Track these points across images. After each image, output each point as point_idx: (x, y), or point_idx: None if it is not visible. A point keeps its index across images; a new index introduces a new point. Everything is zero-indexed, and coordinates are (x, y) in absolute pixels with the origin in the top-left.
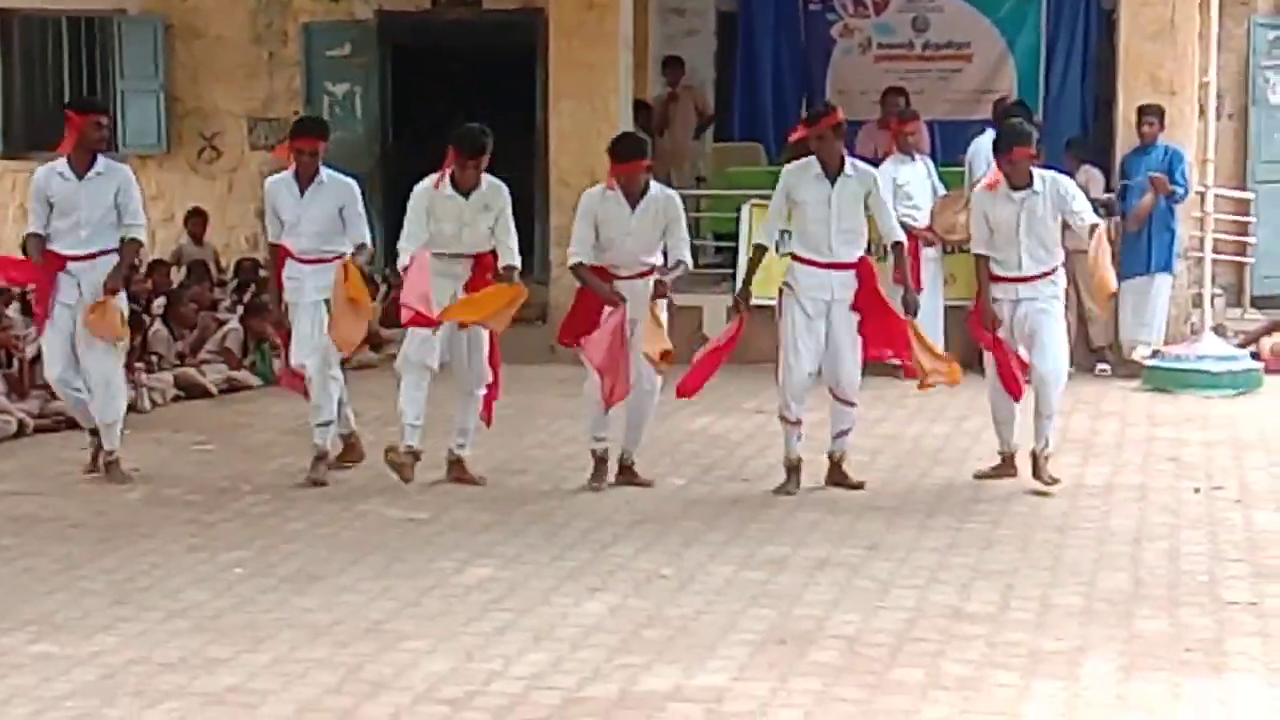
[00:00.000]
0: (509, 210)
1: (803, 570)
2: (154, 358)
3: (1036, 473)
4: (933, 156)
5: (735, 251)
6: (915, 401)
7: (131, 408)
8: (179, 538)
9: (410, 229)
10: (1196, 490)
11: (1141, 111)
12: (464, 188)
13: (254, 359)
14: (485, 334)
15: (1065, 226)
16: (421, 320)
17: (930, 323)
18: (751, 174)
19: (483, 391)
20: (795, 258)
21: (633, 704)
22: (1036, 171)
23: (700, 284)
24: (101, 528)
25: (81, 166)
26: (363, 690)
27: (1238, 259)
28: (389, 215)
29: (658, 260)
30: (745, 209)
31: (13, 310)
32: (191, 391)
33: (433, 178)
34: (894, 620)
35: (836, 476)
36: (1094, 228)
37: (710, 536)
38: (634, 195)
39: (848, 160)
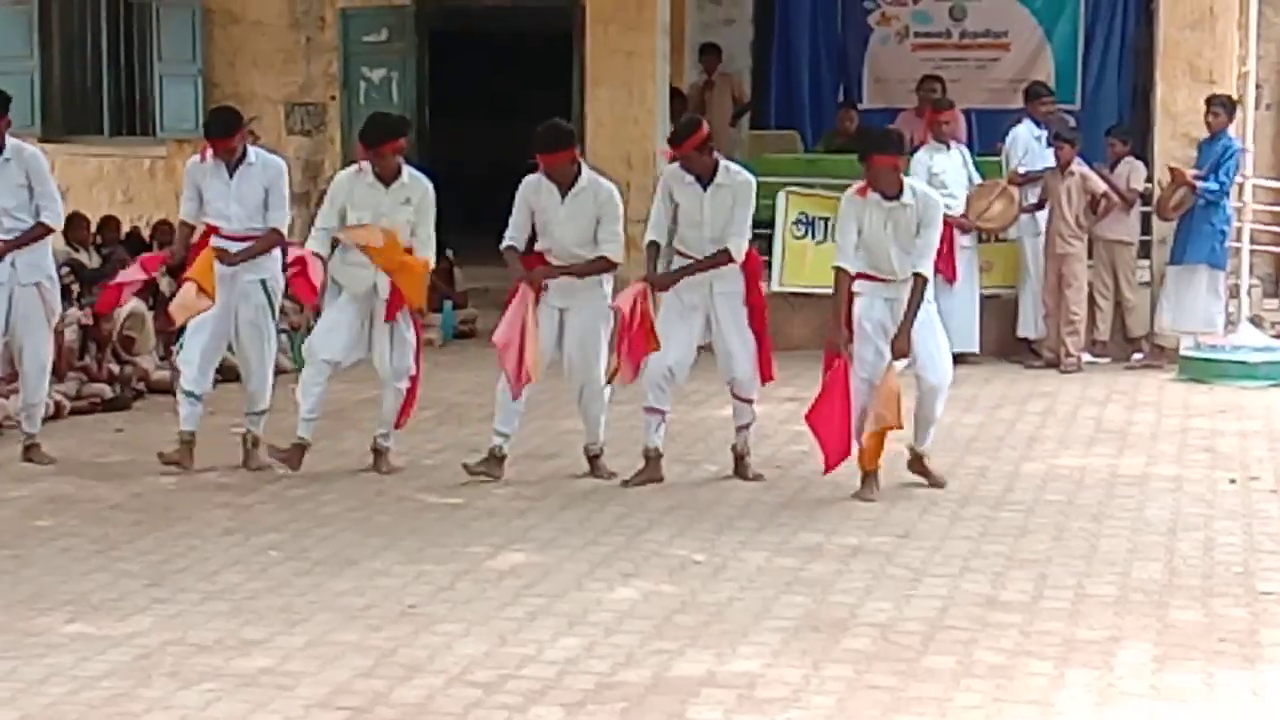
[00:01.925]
0: (430, 204)
1: (836, 557)
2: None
3: (920, 470)
4: (969, 145)
5: (770, 239)
6: (950, 390)
7: (168, 390)
8: (214, 520)
9: (321, 217)
10: (1232, 481)
11: (1208, 102)
12: (384, 176)
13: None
14: (410, 331)
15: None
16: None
17: (966, 312)
18: (788, 161)
19: (404, 385)
20: (677, 252)
21: (665, 689)
22: (909, 184)
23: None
24: (138, 510)
25: None
26: (396, 673)
27: (1275, 249)
28: None
29: (607, 252)
30: (781, 196)
31: None
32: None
33: (354, 166)
34: (927, 608)
35: (740, 470)
36: (918, 276)
37: (743, 523)
38: (564, 185)
39: (720, 167)
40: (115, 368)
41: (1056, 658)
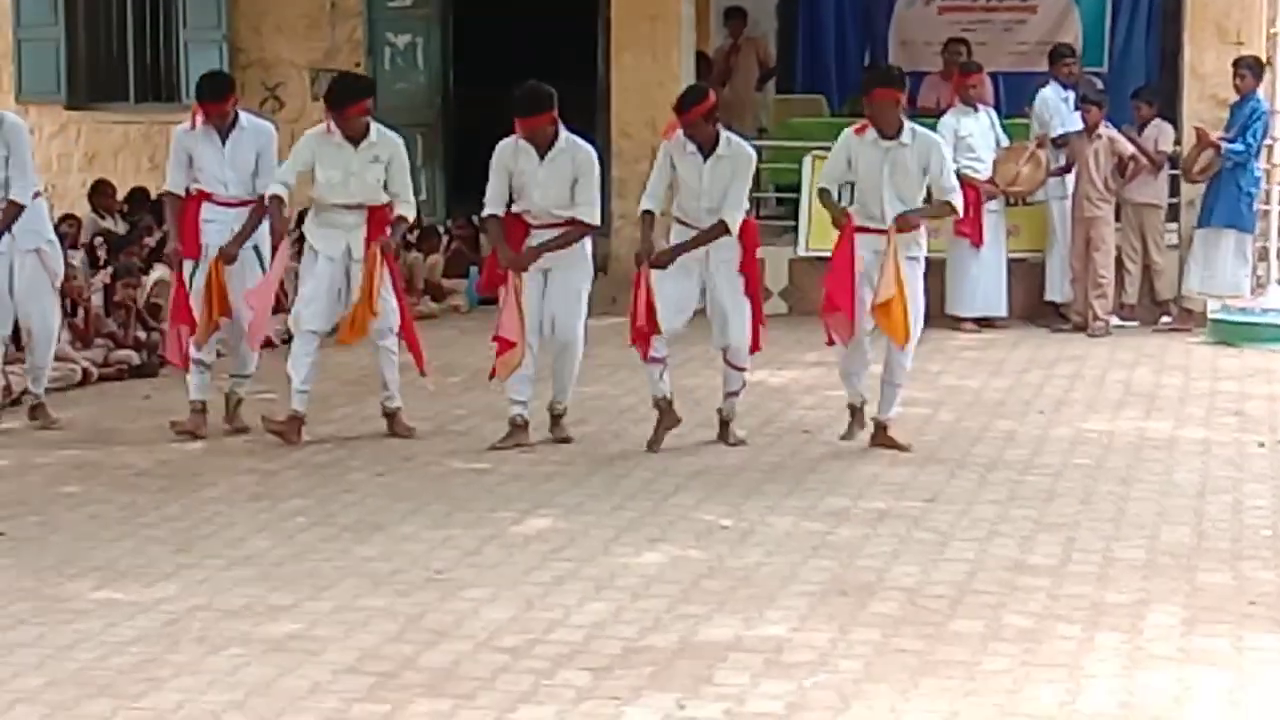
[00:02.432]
0: (403, 161)
1: (863, 522)
2: None
3: (885, 442)
4: (996, 108)
5: (797, 203)
6: (975, 354)
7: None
8: (241, 486)
9: (282, 171)
10: (1261, 444)
11: (1235, 64)
12: (352, 136)
13: None
14: (390, 291)
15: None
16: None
17: (994, 276)
18: (814, 125)
19: (392, 343)
20: (676, 220)
21: (693, 654)
22: (909, 125)
23: (763, 235)
24: (165, 476)
25: None
26: (423, 638)
27: None
28: (450, 166)
29: (582, 215)
30: (807, 160)
31: (77, 260)
32: None
33: (323, 125)
34: (954, 572)
35: (723, 434)
36: (949, 204)
37: (770, 488)
38: (542, 147)
39: (723, 138)
40: (142, 334)
41: (1085, 621)
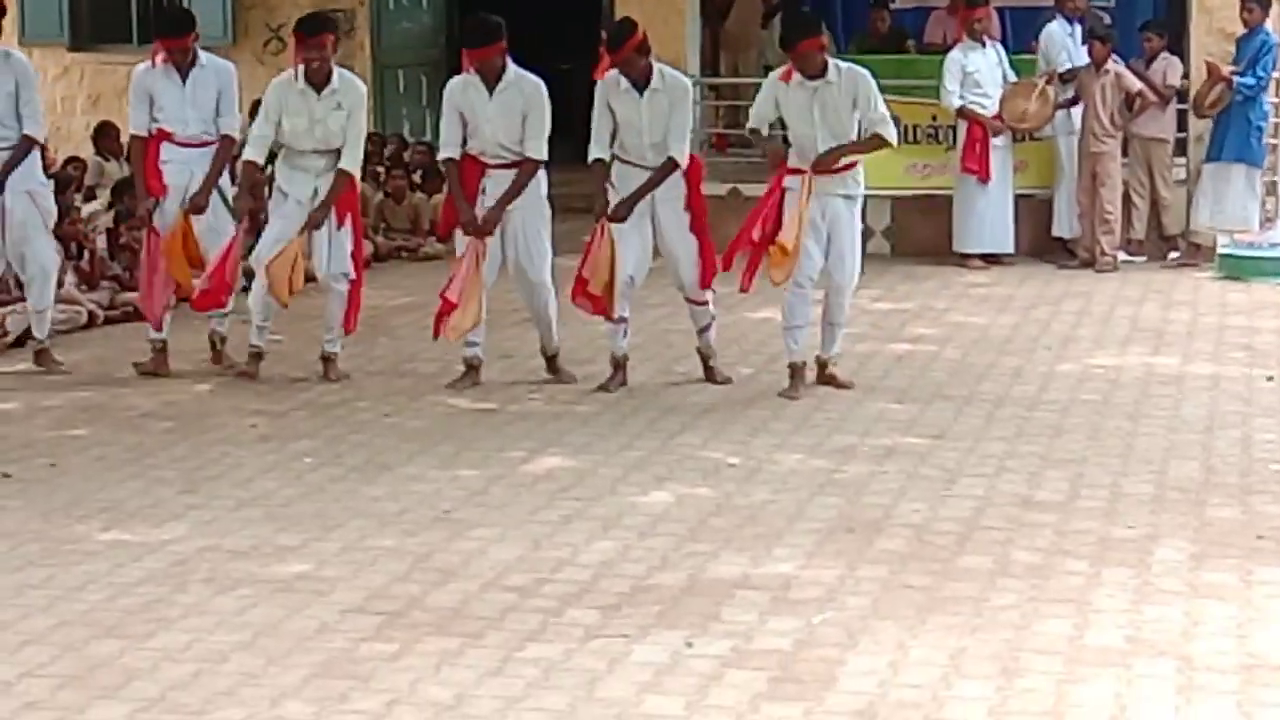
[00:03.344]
0: (362, 111)
1: (870, 459)
2: None
3: (828, 380)
4: (1003, 43)
5: None
6: (982, 291)
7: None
8: (248, 427)
9: (257, 125)
10: (1269, 378)
11: None
12: (315, 82)
13: None
14: (348, 228)
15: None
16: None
17: (1000, 211)
18: None
19: (344, 287)
20: (617, 159)
21: (701, 591)
22: (833, 62)
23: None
24: (171, 417)
25: None
26: (431, 578)
27: None
28: None
29: (530, 151)
30: None
31: (81, 203)
32: None
33: (288, 72)
34: (962, 508)
35: (709, 374)
36: (877, 136)
37: (777, 425)
38: (490, 80)
39: (655, 71)
40: None
41: (1092, 557)
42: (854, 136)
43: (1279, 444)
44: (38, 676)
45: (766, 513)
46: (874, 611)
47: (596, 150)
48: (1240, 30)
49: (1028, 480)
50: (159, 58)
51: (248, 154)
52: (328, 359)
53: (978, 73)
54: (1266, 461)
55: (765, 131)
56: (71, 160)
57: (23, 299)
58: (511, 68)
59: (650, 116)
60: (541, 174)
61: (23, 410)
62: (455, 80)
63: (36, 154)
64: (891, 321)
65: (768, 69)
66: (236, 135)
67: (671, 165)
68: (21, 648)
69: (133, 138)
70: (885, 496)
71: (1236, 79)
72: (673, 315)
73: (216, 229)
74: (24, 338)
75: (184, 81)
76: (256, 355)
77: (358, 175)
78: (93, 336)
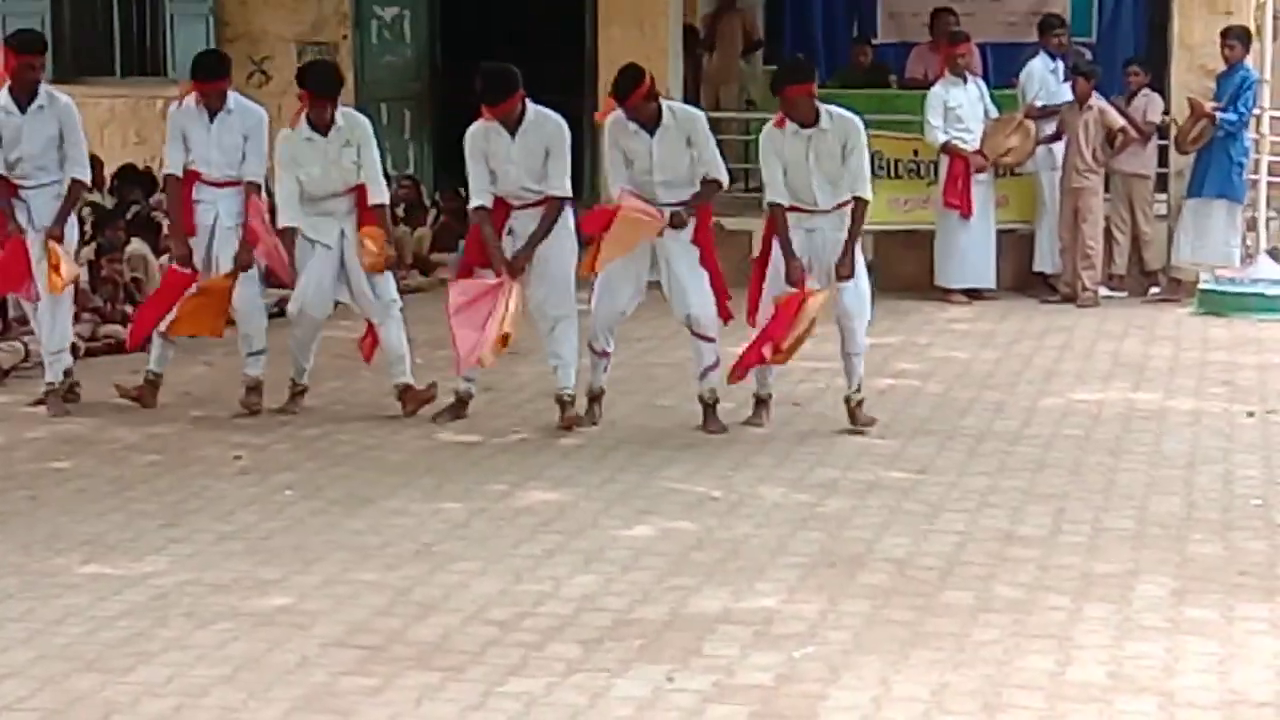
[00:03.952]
0: (371, 141)
1: (852, 493)
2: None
3: (852, 418)
4: (985, 79)
5: None
6: (964, 326)
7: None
8: (230, 460)
9: (283, 186)
10: (1250, 414)
11: (1224, 34)
12: (321, 126)
13: None
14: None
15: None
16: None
17: (982, 246)
18: None
19: (397, 313)
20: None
21: (682, 625)
22: (824, 109)
23: (751, 208)
24: (153, 450)
25: (24, 99)
26: (412, 612)
27: None
28: (437, 140)
29: (554, 189)
30: None
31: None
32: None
33: (285, 131)
34: (944, 543)
35: (709, 422)
36: (859, 200)
37: (759, 459)
38: (511, 125)
39: (665, 110)
40: (129, 309)
41: (1074, 592)
42: (844, 181)
43: (1260, 480)
44: (17, 711)
45: (749, 547)
46: (856, 646)
47: (615, 186)
48: (1221, 67)
49: (1010, 515)
50: (192, 98)
51: (284, 221)
52: (406, 388)
53: (960, 108)
54: (1247, 497)
55: (786, 203)
56: None
57: (10, 337)
58: (531, 108)
59: (661, 155)
60: (568, 209)
61: (3, 442)
62: (476, 127)
63: (62, 192)
64: (874, 356)
65: (750, 104)
66: (260, 181)
67: (716, 185)
68: (1, 681)
69: (168, 176)
70: (867, 531)
71: (1220, 115)
72: (657, 349)
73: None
74: (8, 372)
75: (211, 123)
76: (301, 393)
77: (385, 199)
78: (75, 368)
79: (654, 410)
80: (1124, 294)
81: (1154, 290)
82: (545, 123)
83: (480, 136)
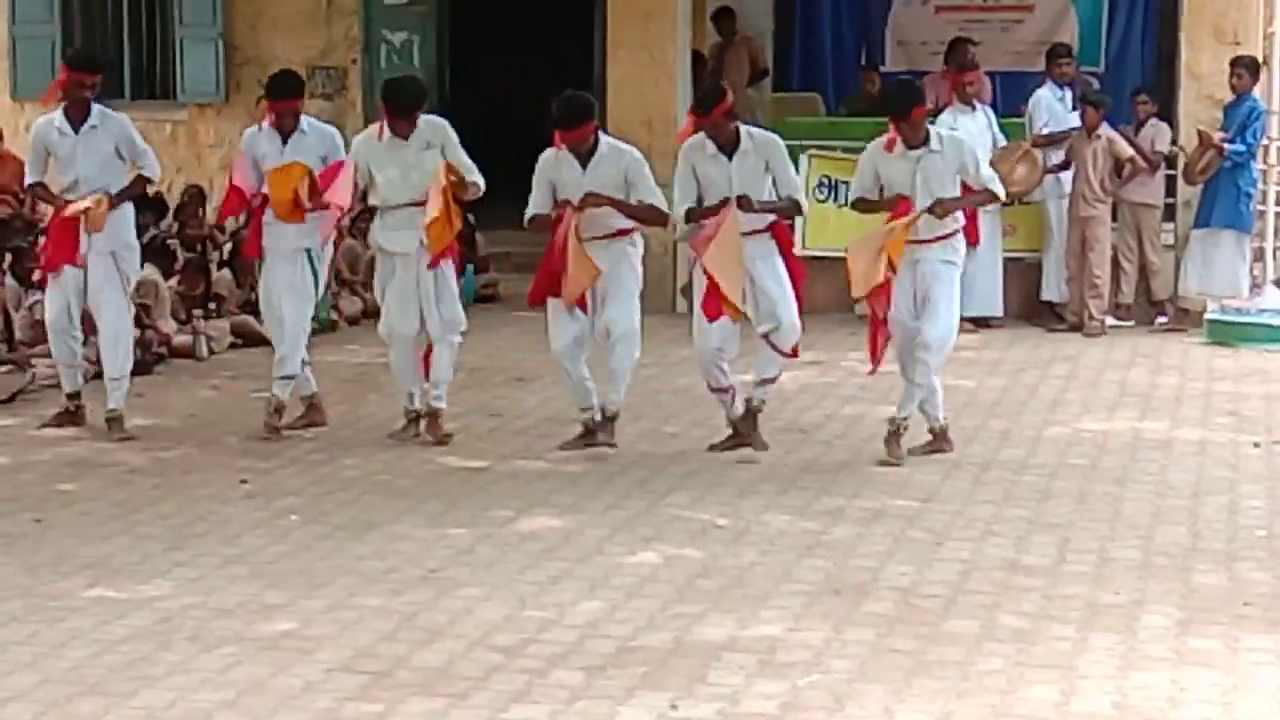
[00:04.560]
0: (454, 139)
1: (858, 521)
2: (214, 303)
3: (887, 446)
4: (993, 107)
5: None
6: (970, 354)
7: (189, 354)
8: (235, 484)
9: (362, 180)
10: (1256, 445)
11: (1232, 64)
12: (402, 133)
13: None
14: (454, 282)
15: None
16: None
17: (989, 275)
18: (810, 124)
19: (458, 339)
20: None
21: (687, 653)
22: (933, 130)
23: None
24: (158, 474)
25: (77, 119)
26: (417, 637)
27: None
28: None
29: (625, 223)
30: (804, 159)
31: None
32: (249, 339)
33: (372, 128)
34: (949, 572)
35: (744, 428)
36: (988, 191)
37: (765, 487)
38: (583, 155)
39: (743, 133)
40: (136, 332)
41: (1079, 622)
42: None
43: (1265, 510)
44: None
45: (754, 574)
46: (860, 675)
47: (680, 209)
48: (1229, 97)
49: (1015, 544)
50: (267, 121)
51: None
52: (435, 414)
53: (968, 136)
54: (1253, 528)
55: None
56: None
57: (14, 360)
58: (604, 140)
59: (740, 178)
60: (638, 238)
61: (10, 465)
62: (548, 153)
63: (130, 215)
64: (880, 383)
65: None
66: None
67: (796, 208)
68: (4, 705)
69: (233, 188)
70: (872, 559)
71: (1228, 146)
72: (662, 375)
73: (299, 289)
74: (15, 395)
75: (284, 144)
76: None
77: (483, 185)
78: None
79: (660, 437)
80: (1131, 323)
81: (1161, 320)
82: (620, 156)
83: (551, 162)
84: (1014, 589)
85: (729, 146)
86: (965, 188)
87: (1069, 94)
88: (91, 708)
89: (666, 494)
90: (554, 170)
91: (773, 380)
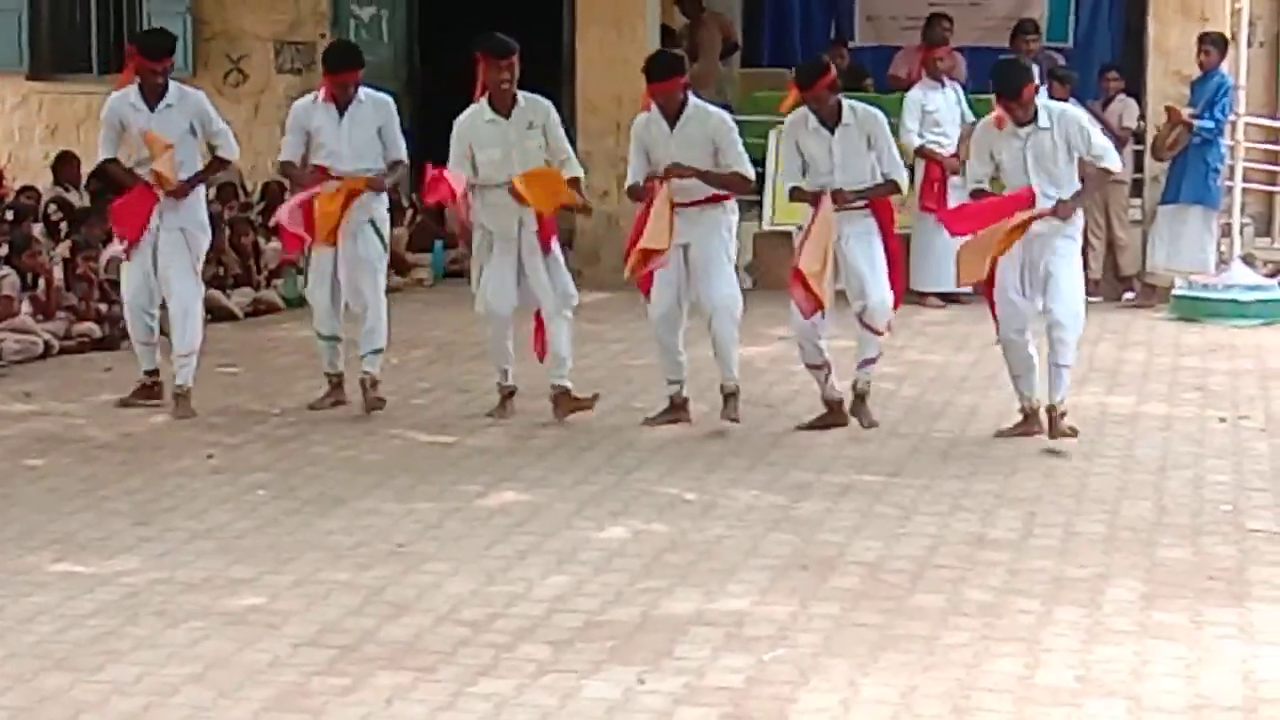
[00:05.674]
0: (556, 120)
1: (825, 496)
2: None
3: (1052, 430)
4: (962, 84)
5: (762, 177)
6: (939, 329)
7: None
8: (203, 459)
9: (453, 160)
10: (1222, 420)
11: (1200, 40)
12: (502, 108)
13: (281, 281)
14: (558, 250)
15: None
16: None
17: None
18: (779, 99)
19: (570, 313)
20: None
21: (654, 627)
22: (1042, 104)
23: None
24: (126, 449)
25: (153, 98)
26: (384, 612)
27: (1267, 188)
28: (415, 139)
29: (743, 171)
30: (772, 134)
31: (38, 231)
32: (217, 314)
33: (472, 107)
34: (915, 546)
35: (856, 409)
36: (1106, 171)
37: (733, 462)
38: (671, 115)
39: (846, 107)
40: (103, 307)
41: (1045, 596)
42: (1065, 180)
43: (1230, 485)
44: None
45: (721, 549)
46: (826, 649)
47: (790, 185)
48: (1196, 72)
49: (981, 519)
50: (320, 93)
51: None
52: (564, 393)
53: (937, 112)
54: (1218, 503)
55: (987, 186)
56: (25, 189)
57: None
58: (693, 101)
59: (843, 155)
60: (733, 204)
61: None
62: (641, 117)
63: (202, 193)
64: (848, 360)
65: (726, 106)
66: (405, 160)
67: (894, 187)
68: None
69: (285, 163)
70: (839, 534)
71: (1197, 122)
72: (631, 350)
73: (365, 258)
74: None
75: (341, 117)
76: (511, 392)
77: (582, 176)
78: (48, 366)
79: (628, 412)
80: (1098, 299)
81: (1128, 295)
82: (707, 117)
83: (643, 125)
84: (980, 563)
85: (831, 120)
86: (1080, 164)
87: (1036, 70)
88: (58, 682)
89: (635, 469)
90: (645, 132)
91: (873, 361)
